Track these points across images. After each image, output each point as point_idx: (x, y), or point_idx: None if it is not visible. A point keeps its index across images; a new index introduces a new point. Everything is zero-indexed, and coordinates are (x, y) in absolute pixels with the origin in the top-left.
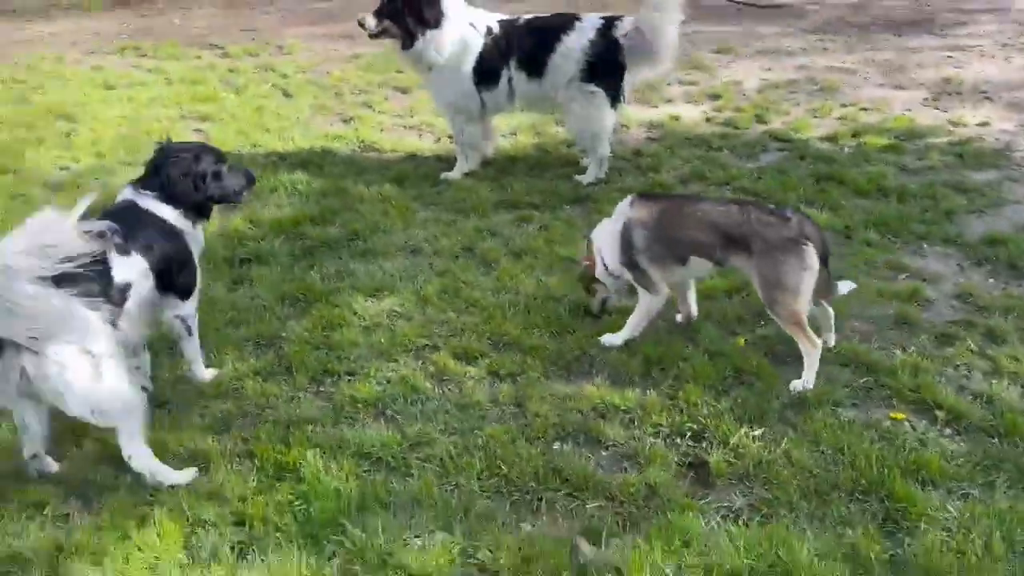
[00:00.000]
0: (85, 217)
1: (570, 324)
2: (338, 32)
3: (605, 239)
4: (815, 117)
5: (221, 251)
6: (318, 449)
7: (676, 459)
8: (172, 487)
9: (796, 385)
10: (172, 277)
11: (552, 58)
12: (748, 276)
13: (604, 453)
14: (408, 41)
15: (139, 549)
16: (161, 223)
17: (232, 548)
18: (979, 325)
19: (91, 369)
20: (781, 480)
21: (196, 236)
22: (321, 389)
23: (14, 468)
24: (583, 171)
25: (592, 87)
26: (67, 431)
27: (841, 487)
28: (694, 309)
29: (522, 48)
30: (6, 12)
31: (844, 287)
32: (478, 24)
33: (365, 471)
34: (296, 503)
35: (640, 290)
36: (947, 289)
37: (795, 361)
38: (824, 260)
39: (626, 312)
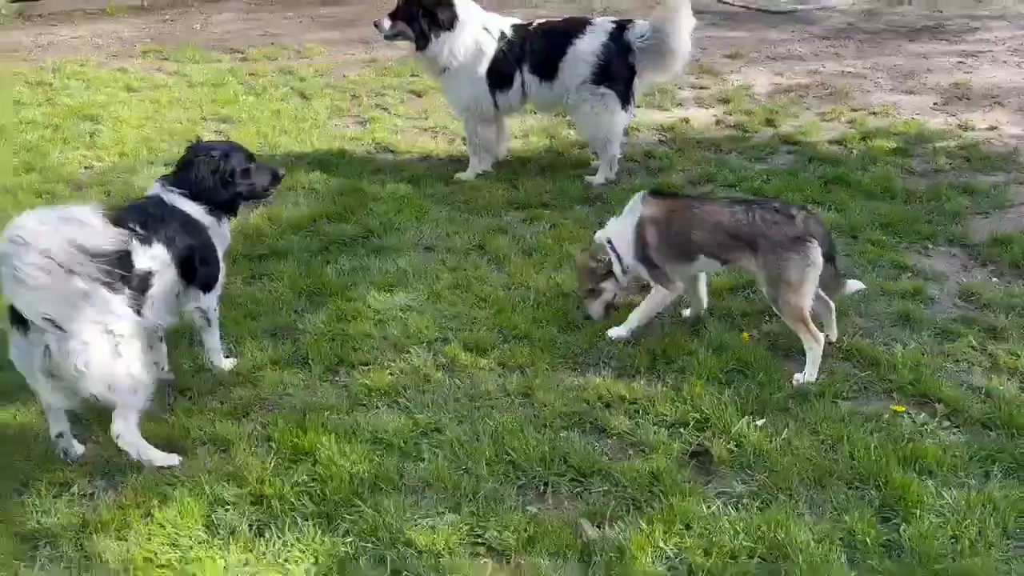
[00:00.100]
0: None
1: (578, 319)
2: (355, 37)
3: (620, 236)
4: (825, 121)
5: (240, 247)
6: (333, 434)
7: (679, 447)
8: (160, 468)
9: (799, 379)
10: (194, 270)
11: (564, 61)
12: (753, 273)
13: (609, 441)
14: (422, 43)
15: (161, 526)
16: (185, 218)
17: (250, 526)
18: (980, 322)
19: (111, 348)
20: (781, 468)
21: (221, 232)
22: (336, 378)
23: (43, 451)
24: (594, 172)
25: (603, 89)
26: (92, 416)
27: (840, 475)
28: (705, 302)
29: (535, 52)
30: (32, 17)
31: (853, 286)
32: (492, 28)
33: (378, 455)
34: (312, 484)
35: (653, 284)
36: (950, 288)
37: (797, 355)
38: (831, 258)
39: (629, 306)
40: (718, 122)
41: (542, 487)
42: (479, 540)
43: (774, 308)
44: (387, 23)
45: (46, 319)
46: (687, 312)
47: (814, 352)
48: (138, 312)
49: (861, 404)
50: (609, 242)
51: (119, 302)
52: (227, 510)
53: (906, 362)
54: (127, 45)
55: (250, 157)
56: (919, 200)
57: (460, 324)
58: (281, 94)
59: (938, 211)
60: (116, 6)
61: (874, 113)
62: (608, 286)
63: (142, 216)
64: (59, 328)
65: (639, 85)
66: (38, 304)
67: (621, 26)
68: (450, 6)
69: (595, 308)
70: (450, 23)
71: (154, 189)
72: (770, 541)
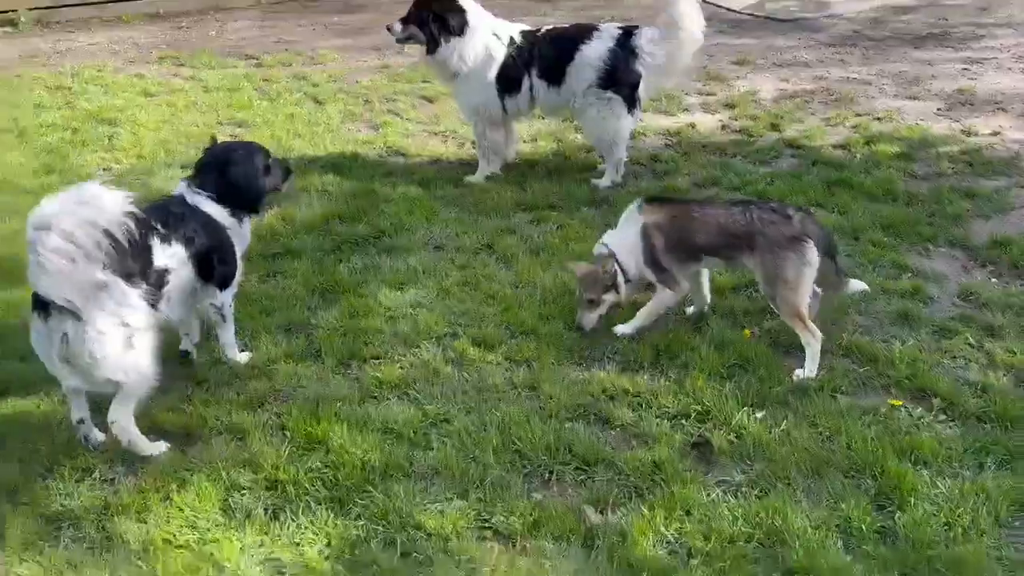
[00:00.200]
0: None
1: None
2: (367, 44)
3: (624, 246)
4: (829, 126)
5: (256, 246)
6: (345, 424)
7: (681, 438)
8: (147, 457)
9: (799, 374)
10: (212, 268)
11: (571, 66)
12: (753, 272)
13: (613, 432)
14: (432, 47)
15: (179, 509)
16: (207, 219)
17: (265, 509)
18: (978, 321)
19: (125, 340)
20: (779, 458)
21: (241, 232)
22: (348, 371)
23: (65, 439)
24: (600, 175)
25: (609, 94)
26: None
27: (837, 465)
28: (708, 299)
29: (543, 57)
30: (51, 24)
31: (856, 286)
32: (501, 34)
33: (388, 444)
34: (324, 471)
35: (659, 286)
36: (949, 288)
37: (798, 352)
38: (831, 256)
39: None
40: (724, 127)
41: (547, 475)
42: (486, 525)
43: (772, 305)
44: (399, 27)
45: (68, 301)
46: (691, 310)
47: (812, 348)
48: (154, 306)
49: (859, 398)
50: (612, 255)
51: (136, 295)
52: (243, 495)
53: (904, 358)
54: (143, 51)
55: (267, 154)
56: (921, 203)
57: (469, 320)
58: (295, 99)
59: (939, 214)
60: (132, 14)
61: (878, 118)
62: (608, 298)
63: (164, 215)
64: (78, 312)
65: (645, 91)
66: (60, 289)
67: (628, 32)
68: (461, 12)
69: (590, 319)
70: (461, 29)
71: (179, 189)
72: (768, 527)
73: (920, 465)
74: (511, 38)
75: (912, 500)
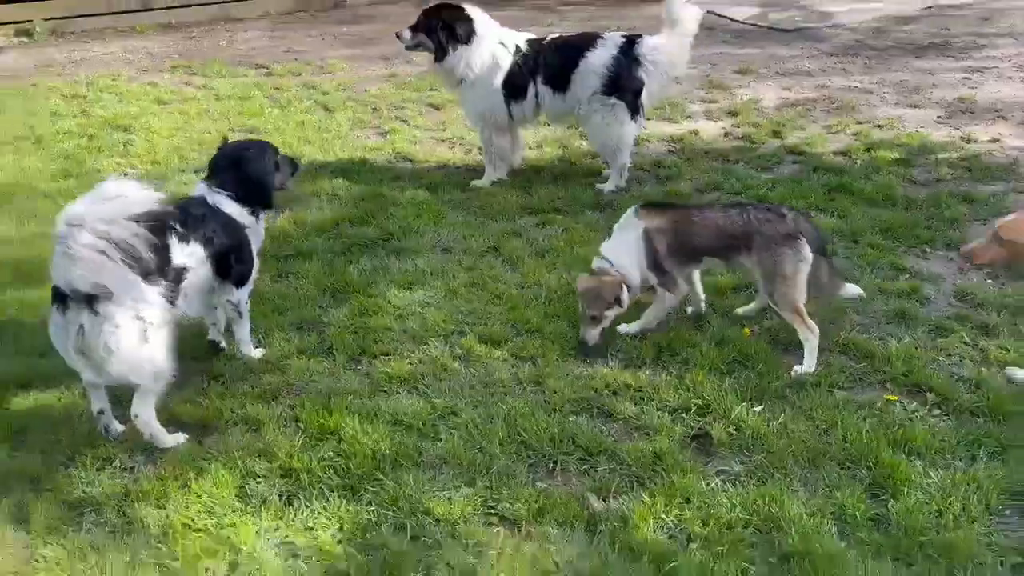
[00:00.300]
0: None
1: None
2: (375, 54)
3: (624, 254)
4: (830, 133)
5: (268, 247)
6: (356, 416)
7: (681, 430)
8: (167, 448)
9: (798, 370)
10: (230, 267)
11: (576, 73)
12: (750, 270)
13: (615, 425)
14: (440, 54)
15: (197, 495)
16: (227, 219)
17: (280, 496)
18: (973, 320)
19: (140, 334)
20: (777, 449)
21: (257, 230)
22: (359, 367)
23: (86, 430)
24: (605, 180)
25: (613, 100)
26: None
27: (832, 456)
28: (702, 297)
29: (548, 64)
30: (65, 35)
31: (851, 290)
32: (508, 42)
33: (398, 435)
34: (337, 459)
35: (659, 289)
36: (946, 288)
37: (796, 349)
38: (824, 255)
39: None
40: (726, 134)
41: (551, 465)
42: (492, 511)
43: (770, 302)
44: (408, 34)
45: (98, 285)
46: (690, 310)
47: (811, 343)
48: (172, 302)
49: (855, 393)
50: (607, 266)
51: (153, 292)
52: (258, 482)
53: (900, 355)
54: (156, 60)
55: (276, 151)
56: (919, 207)
57: (475, 319)
58: (305, 107)
59: (937, 217)
60: (145, 24)
61: (879, 126)
62: (611, 313)
63: (184, 215)
64: (108, 297)
65: (648, 98)
66: (94, 276)
67: (631, 40)
68: (468, 21)
69: (593, 335)
70: (468, 37)
71: (199, 190)
72: (765, 514)
73: (913, 456)
74: (517, 46)
75: (905, 489)
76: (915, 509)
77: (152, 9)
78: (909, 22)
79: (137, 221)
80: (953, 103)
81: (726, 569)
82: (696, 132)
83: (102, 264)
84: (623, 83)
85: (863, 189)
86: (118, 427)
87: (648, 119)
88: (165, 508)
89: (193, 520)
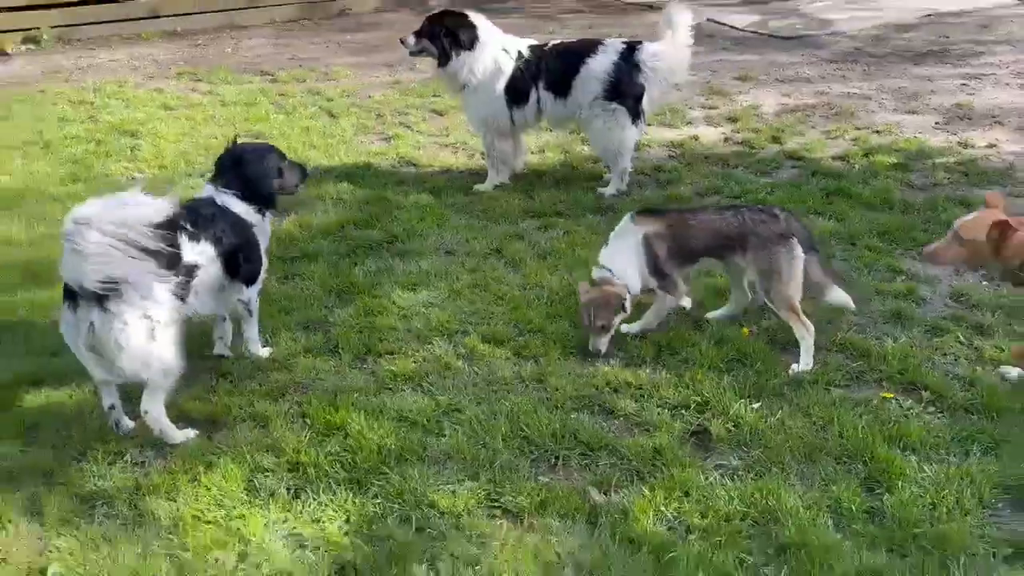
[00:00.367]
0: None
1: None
2: (379, 61)
3: (624, 260)
4: (829, 138)
5: (274, 249)
6: (362, 412)
7: (681, 426)
8: (174, 445)
9: (795, 368)
10: (239, 265)
11: (577, 79)
12: (745, 270)
13: (616, 421)
14: (443, 60)
15: (207, 488)
16: (235, 218)
17: (288, 489)
18: (969, 320)
19: (148, 332)
20: (774, 445)
21: (264, 228)
22: (364, 365)
23: (97, 426)
24: (606, 184)
25: (614, 105)
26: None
27: (829, 451)
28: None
29: (550, 70)
30: (72, 42)
31: (839, 298)
32: (510, 48)
33: (403, 431)
34: (343, 454)
35: (660, 292)
36: (942, 289)
37: (794, 348)
38: (814, 252)
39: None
40: (726, 139)
41: (553, 460)
42: (496, 504)
43: (766, 299)
44: (412, 40)
45: (109, 279)
46: (687, 306)
47: (807, 341)
48: (183, 299)
49: (852, 391)
50: (607, 276)
51: (162, 290)
52: (267, 476)
53: (896, 354)
54: (162, 67)
55: (283, 156)
56: (916, 211)
57: (479, 319)
58: (310, 113)
59: (934, 221)
60: (151, 32)
61: (877, 131)
62: (617, 320)
63: (194, 215)
64: (109, 296)
65: (649, 104)
66: (104, 270)
67: (631, 47)
68: (471, 27)
69: (603, 342)
70: (471, 43)
71: (206, 191)
72: (762, 506)
73: (908, 451)
74: (519, 52)
75: (900, 483)
76: (909, 502)
77: (158, 17)
78: (908, 30)
79: (147, 225)
80: (951, 109)
81: (724, 559)
82: (696, 137)
83: (112, 257)
84: (624, 88)
85: (861, 193)
86: (128, 423)
87: (649, 124)
88: (175, 501)
89: (203, 512)
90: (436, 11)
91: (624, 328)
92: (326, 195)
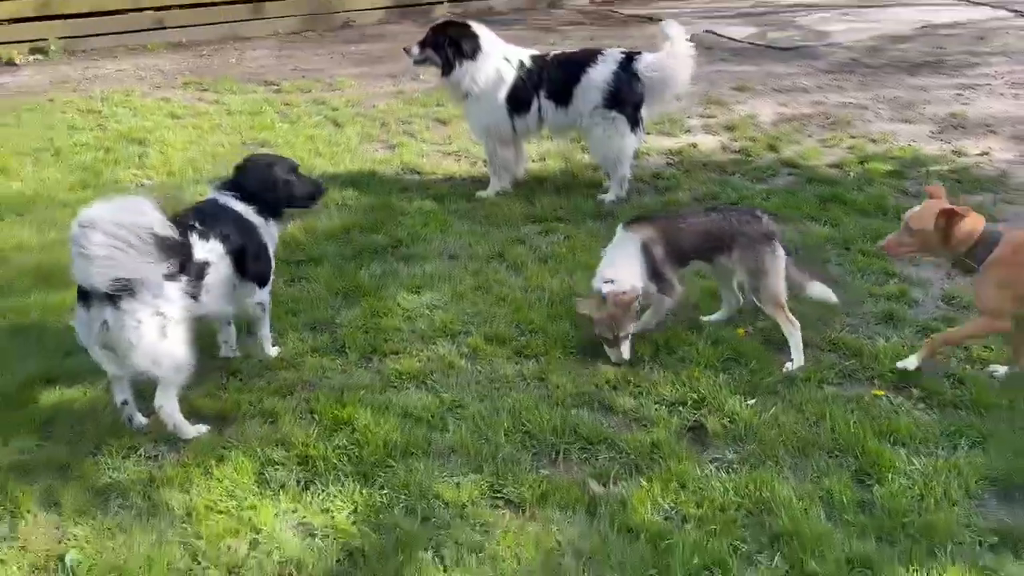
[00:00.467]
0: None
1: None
2: (383, 72)
3: (627, 270)
4: (825, 147)
5: (280, 253)
6: (369, 408)
7: (678, 422)
8: (187, 440)
9: (788, 367)
10: (247, 264)
11: (578, 88)
12: (732, 269)
13: (615, 418)
14: (447, 69)
15: (219, 480)
16: (237, 216)
17: (297, 481)
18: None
19: (159, 328)
20: (769, 439)
21: (270, 231)
22: (370, 364)
23: (110, 422)
24: (606, 191)
25: (614, 113)
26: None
27: (821, 446)
28: None
29: (551, 80)
30: (78, 52)
31: (821, 291)
32: (512, 58)
33: (408, 426)
34: (351, 448)
35: (657, 295)
36: (934, 292)
37: (788, 347)
38: (789, 252)
39: None
40: (724, 147)
41: (554, 454)
42: (498, 495)
43: (754, 297)
44: (416, 50)
45: (117, 280)
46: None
47: (794, 337)
48: (195, 298)
49: (844, 389)
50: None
51: (172, 288)
52: (277, 469)
53: (887, 353)
54: (168, 77)
55: (293, 169)
56: None
57: (481, 320)
58: (315, 122)
59: None
60: (156, 43)
61: (873, 140)
62: (632, 326)
63: (201, 216)
64: (122, 295)
65: (647, 112)
66: (110, 271)
67: (630, 57)
68: (474, 37)
69: (628, 349)
70: (473, 53)
71: (211, 193)
72: (756, 498)
73: (898, 445)
74: (521, 62)
75: (889, 475)
76: (898, 493)
77: (163, 28)
78: (904, 41)
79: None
80: (945, 118)
81: (719, 547)
82: (695, 145)
83: (116, 259)
84: (623, 97)
85: (856, 200)
86: (141, 419)
87: (648, 133)
88: (188, 492)
89: (215, 503)
90: (439, 21)
91: None
92: (331, 201)
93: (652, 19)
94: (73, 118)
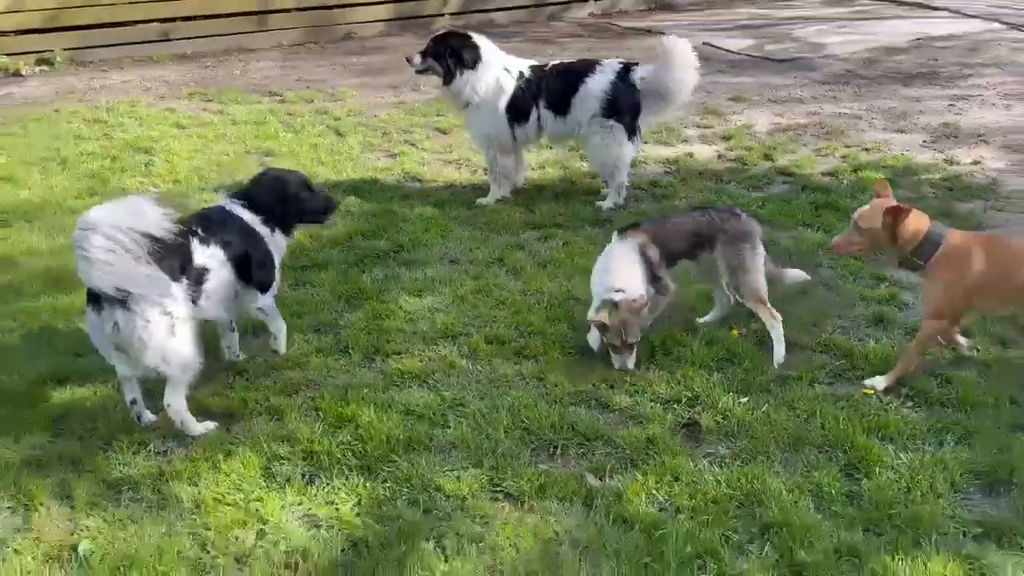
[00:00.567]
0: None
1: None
2: (384, 83)
3: (630, 276)
4: (819, 156)
5: (285, 259)
6: (372, 406)
7: (672, 419)
8: (194, 437)
9: (777, 360)
10: (250, 271)
11: (576, 97)
12: (715, 266)
13: (612, 415)
14: (448, 78)
15: (226, 474)
16: (242, 224)
17: (303, 475)
18: None
19: (168, 327)
20: (760, 435)
21: (277, 242)
22: (373, 364)
23: (120, 419)
24: (604, 198)
25: (611, 122)
26: (161, 391)
27: (811, 441)
28: None
29: (550, 89)
30: (85, 63)
31: (794, 275)
32: (512, 68)
33: (411, 423)
34: (355, 443)
35: (654, 296)
36: None
37: None
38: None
39: None
40: (720, 156)
41: (552, 449)
42: (498, 488)
43: (736, 293)
44: (418, 59)
45: (119, 290)
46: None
47: (776, 330)
48: (194, 302)
49: (835, 387)
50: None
51: (178, 288)
52: (282, 463)
53: (877, 354)
54: (173, 88)
55: (305, 184)
56: None
57: (482, 322)
58: (317, 131)
59: None
60: (161, 54)
61: (866, 149)
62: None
63: (205, 222)
64: (130, 297)
65: (644, 121)
66: (109, 278)
67: (627, 67)
68: (475, 48)
69: (634, 356)
70: (474, 62)
71: (220, 200)
72: (747, 490)
73: (886, 441)
74: (520, 72)
75: (877, 469)
76: (886, 486)
77: (168, 40)
78: (899, 53)
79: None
80: (938, 128)
81: (711, 536)
82: (691, 154)
83: (114, 265)
84: (621, 106)
85: (849, 206)
86: (150, 416)
87: (645, 142)
88: (197, 485)
89: (223, 496)
90: (441, 32)
91: None
92: None
93: (650, 32)
94: (79, 128)
